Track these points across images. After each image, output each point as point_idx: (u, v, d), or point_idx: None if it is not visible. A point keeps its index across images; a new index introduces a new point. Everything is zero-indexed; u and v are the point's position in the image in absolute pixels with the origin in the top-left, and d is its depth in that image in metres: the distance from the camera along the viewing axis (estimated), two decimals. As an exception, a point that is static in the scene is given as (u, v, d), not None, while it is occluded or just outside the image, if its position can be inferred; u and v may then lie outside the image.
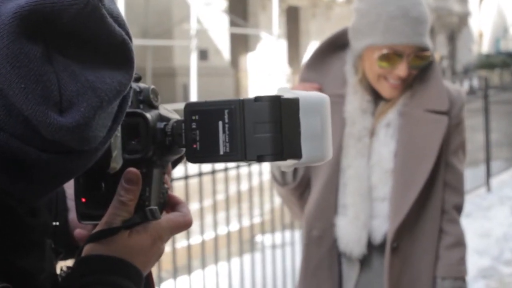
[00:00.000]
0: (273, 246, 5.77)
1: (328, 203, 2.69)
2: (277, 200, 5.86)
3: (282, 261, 5.74)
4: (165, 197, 1.22)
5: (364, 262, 2.69)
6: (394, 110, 2.66)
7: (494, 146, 11.89)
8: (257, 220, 6.20)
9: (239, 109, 1.07)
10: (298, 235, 6.00)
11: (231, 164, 5.17)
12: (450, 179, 2.71)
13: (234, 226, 5.62)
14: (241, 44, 30.34)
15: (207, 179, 4.97)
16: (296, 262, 5.85)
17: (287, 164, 1.09)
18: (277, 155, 1.05)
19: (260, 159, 1.06)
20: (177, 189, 3.54)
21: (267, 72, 28.92)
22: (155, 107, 1.18)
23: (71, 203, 1.27)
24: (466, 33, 55.64)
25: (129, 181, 1.13)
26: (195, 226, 6.77)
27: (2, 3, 0.90)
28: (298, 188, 2.76)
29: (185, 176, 4.59)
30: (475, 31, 58.11)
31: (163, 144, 1.16)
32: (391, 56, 2.59)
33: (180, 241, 6.55)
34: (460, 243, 2.71)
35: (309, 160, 1.09)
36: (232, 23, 27.48)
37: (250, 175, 5.46)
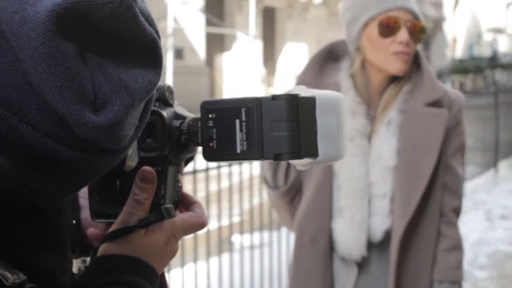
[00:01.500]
0: (252, 247, 5.77)
1: (321, 207, 2.68)
2: (256, 200, 5.87)
3: (260, 261, 5.74)
4: (179, 195, 1.21)
5: (362, 264, 2.68)
6: (395, 107, 2.68)
7: (468, 151, 11.94)
8: (236, 219, 6.20)
9: (256, 108, 1.06)
10: (276, 235, 6.01)
11: (212, 164, 5.17)
12: (449, 181, 2.71)
13: (213, 225, 5.61)
14: (217, 43, 30.29)
15: (188, 178, 4.96)
16: (274, 263, 5.87)
17: (303, 163, 1.09)
18: (294, 154, 1.05)
19: (277, 157, 1.06)
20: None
21: (242, 72, 28.92)
22: (171, 105, 1.17)
23: (83, 201, 1.26)
24: (440, 38, 55.89)
25: (144, 179, 1.13)
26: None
27: (36, 0, 0.89)
28: (289, 192, 2.75)
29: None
30: (449, 36, 58.42)
31: (178, 142, 1.15)
32: (390, 23, 2.64)
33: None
34: (458, 247, 2.71)
35: (325, 159, 1.09)
36: (209, 23, 27.45)
37: (230, 174, 5.46)
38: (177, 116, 1.17)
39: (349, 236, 2.64)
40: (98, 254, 1.12)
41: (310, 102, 1.07)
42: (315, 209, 2.69)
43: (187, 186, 4.90)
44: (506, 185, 12.33)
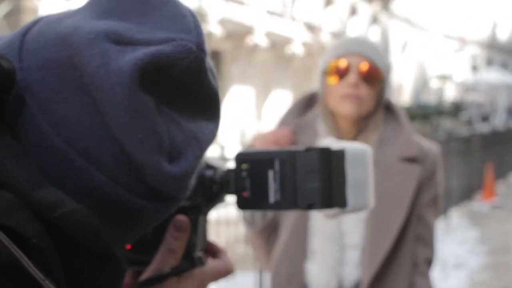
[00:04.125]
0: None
1: (296, 248, 2.73)
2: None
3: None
4: (206, 243, 1.25)
5: None
6: None
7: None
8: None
9: (290, 159, 1.12)
10: (232, 285, 6.01)
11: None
12: (422, 232, 2.77)
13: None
14: (161, 85, 30.31)
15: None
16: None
17: (332, 212, 1.16)
18: (326, 204, 1.11)
19: (309, 207, 1.12)
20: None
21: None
22: None
23: None
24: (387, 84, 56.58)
25: (178, 228, 1.16)
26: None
27: (118, 55, 0.93)
28: (266, 230, 2.80)
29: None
30: (395, 83, 59.26)
31: (210, 191, 1.20)
32: (340, 67, 2.73)
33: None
34: None
35: (353, 208, 1.15)
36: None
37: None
38: (208, 166, 1.22)
39: (320, 278, 2.69)
40: None
41: (340, 154, 1.14)
42: (290, 249, 2.74)
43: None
44: (458, 233, 12.50)
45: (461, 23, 66.94)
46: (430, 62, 65.34)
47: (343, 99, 2.73)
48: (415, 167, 2.75)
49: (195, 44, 0.97)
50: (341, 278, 2.70)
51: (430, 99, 58.25)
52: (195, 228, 1.20)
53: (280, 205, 1.13)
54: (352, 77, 2.71)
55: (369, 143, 2.75)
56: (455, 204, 14.53)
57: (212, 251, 1.27)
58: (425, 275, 2.78)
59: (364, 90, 2.74)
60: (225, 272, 1.23)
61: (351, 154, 1.15)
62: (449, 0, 67.13)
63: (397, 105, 2.92)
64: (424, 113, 47.04)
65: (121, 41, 0.94)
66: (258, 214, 2.81)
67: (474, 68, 64.32)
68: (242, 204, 1.16)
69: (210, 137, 1.02)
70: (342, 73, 2.72)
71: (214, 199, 1.22)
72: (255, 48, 35.17)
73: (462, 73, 64.65)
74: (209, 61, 1.03)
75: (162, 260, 1.16)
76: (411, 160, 2.76)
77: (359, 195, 1.16)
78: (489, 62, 68.96)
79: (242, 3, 33.70)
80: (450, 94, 65.31)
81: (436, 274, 9.31)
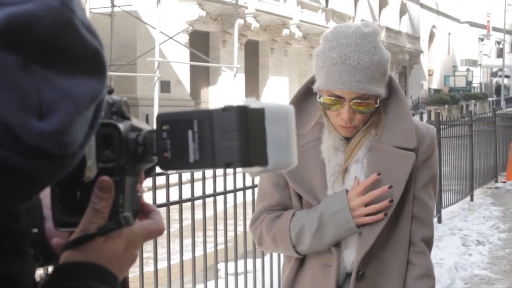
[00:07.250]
0: (236, 273, 5.77)
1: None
2: (240, 228, 5.88)
3: None
4: (138, 205, 1.22)
5: None
6: (363, 147, 2.69)
7: (444, 179, 12.01)
8: (221, 247, 6.20)
9: (208, 119, 1.08)
10: (259, 262, 6.01)
11: (197, 193, 5.18)
12: (418, 212, 2.72)
13: (199, 252, 5.60)
14: (202, 76, 30.39)
15: (174, 207, 4.96)
16: (258, 289, 5.86)
17: (255, 171, 1.10)
18: (244, 162, 1.07)
19: (228, 165, 1.08)
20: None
21: (227, 104, 29.02)
22: (128, 118, 1.18)
23: (47, 212, 1.26)
24: (418, 70, 56.34)
25: (102, 189, 1.13)
26: (162, 253, 6.70)
27: None
28: None
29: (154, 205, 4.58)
30: (425, 68, 58.86)
31: (135, 153, 1.16)
32: (333, 101, 2.63)
33: (148, 265, 6.51)
34: (428, 275, 2.71)
35: (275, 167, 1.10)
36: (193, 56, 27.57)
37: (215, 202, 5.47)
38: (133, 128, 1.17)
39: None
40: (60, 261, 1.12)
41: (259, 113, 1.09)
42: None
43: (173, 216, 4.92)
44: (481, 211, 12.41)
45: (486, 10, 66.19)
46: (457, 48, 64.75)
47: (339, 127, 2.68)
48: (411, 154, 2.69)
49: (59, 1, 0.93)
50: (344, 261, 2.68)
51: (458, 83, 57.73)
52: (121, 189, 1.17)
53: (199, 165, 1.09)
54: (344, 113, 2.62)
55: (369, 135, 2.70)
56: (479, 184, 14.42)
57: (145, 211, 1.23)
58: (423, 253, 2.72)
59: (359, 119, 2.66)
60: (156, 231, 1.20)
61: (271, 113, 1.10)
62: (475, -12, 66.50)
63: (398, 87, 2.81)
64: (452, 97, 46.76)
65: None
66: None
67: (500, 53, 63.55)
68: (164, 164, 1.13)
69: (90, 93, 0.98)
70: (335, 107, 2.63)
71: (141, 160, 1.18)
72: (290, 39, 35.08)
73: (488, 59, 63.98)
74: (85, 19, 0.99)
75: (89, 220, 1.13)
76: (408, 149, 2.71)
77: (282, 154, 1.11)
78: (514, 47, 68.13)
79: (276, -3, 33.63)
80: (477, 78, 64.67)
81: (459, 250, 9.26)
